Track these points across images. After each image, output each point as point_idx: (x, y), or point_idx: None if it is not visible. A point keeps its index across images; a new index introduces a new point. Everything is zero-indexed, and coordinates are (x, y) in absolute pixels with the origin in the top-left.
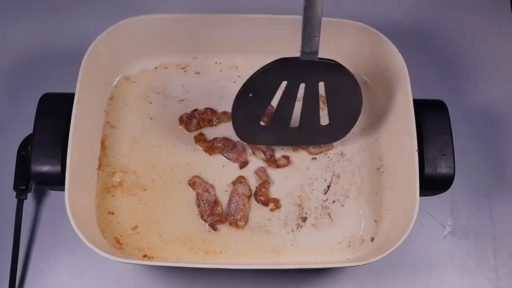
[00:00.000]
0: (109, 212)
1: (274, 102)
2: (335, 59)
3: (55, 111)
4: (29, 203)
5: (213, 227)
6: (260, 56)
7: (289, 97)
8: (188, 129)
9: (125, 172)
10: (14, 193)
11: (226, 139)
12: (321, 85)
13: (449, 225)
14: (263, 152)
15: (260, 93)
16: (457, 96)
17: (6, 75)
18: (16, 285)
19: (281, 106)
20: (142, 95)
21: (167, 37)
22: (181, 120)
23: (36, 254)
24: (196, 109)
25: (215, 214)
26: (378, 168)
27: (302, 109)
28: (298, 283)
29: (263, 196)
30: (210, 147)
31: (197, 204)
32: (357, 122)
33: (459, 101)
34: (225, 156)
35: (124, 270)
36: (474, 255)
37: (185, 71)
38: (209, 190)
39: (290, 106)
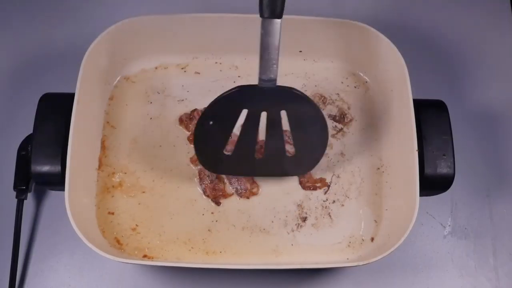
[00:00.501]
0: (109, 212)
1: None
2: (301, 91)
3: (55, 111)
4: (29, 203)
5: (217, 202)
6: None
7: (250, 126)
8: (188, 129)
9: (125, 173)
10: (14, 193)
11: None
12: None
13: (449, 225)
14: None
15: (220, 121)
16: (457, 96)
17: (6, 75)
18: (16, 285)
19: (244, 135)
20: (142, 95)
21: (167, 37)
22: (181, 120)
23: (36, 254)
24: (195, 109)
25: (217, 189)
26: (378, 168)
27: (266, 139)
28: (298, 283)
29: (309, 181)
30: None
31: (199, 180)
32: (357, 123)
33: (459, 101)
34: None
35: (124, 270)
36: (474, 255)
37: (185, 71)
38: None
39: (252, 135)
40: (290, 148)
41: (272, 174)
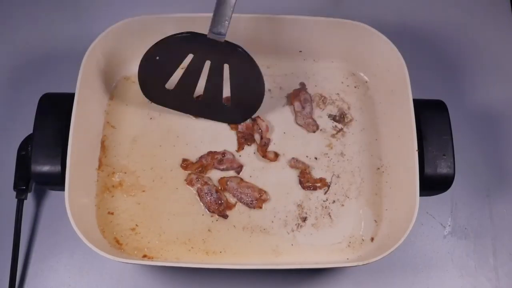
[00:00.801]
0: (109, 212)
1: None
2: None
3: (55, 111)
4: (29, 203)
5: (223, 215)
6: (260, 56)
7: (194, 69)
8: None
9: (125, 173)
10: (14, 193)
11: (210, 153)
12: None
13: (449, 225)
14: (261, 136)
15: (166, 58)
16: (457, 96)
17: (6, 75)
18: (16, 285)
19: (186, 75)
20: (142, 95)
21: None
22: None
23: (36, 254)
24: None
25: (221, 203)
26: (378, 168)
27: (205, 84)
28: (298, 283)
29: (309, 181)
30: (200, 166)
31: (201, 199)
32: (357, 123)
33: (459, 101)
34: (219, 169)
35: (124, 270)
36: (474, 255)
37: None
38: (208, 182)
39: (194, 78)
40: (226, 99)
41: (208, 117)
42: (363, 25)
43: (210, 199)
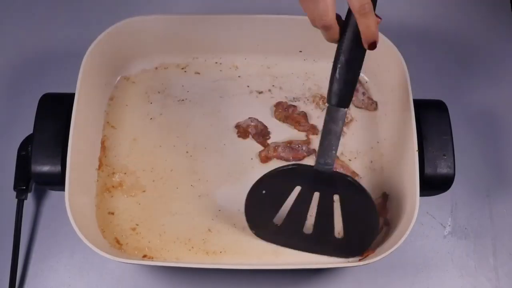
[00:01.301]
0: (109, 212)
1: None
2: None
3: (55, 111)
4: (29, 203)
5: (310, 152)
6: (260, 56)
7: (302, 202)
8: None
9: (125, 173)
10: (14, 193)
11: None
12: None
13: (449, 225)
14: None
15: (273, 192)
16: (457, 96)
17: (6, 75)
18: (16, 285)
19: (294, 209)
20: (142, 95)
21: (167, 37)
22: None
23: (36, 254)
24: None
25: (299, 149)
26: (378, 168)
27: (315, 217)
28: (298, 283)
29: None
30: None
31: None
32: (357, 123)
33: (459, 101)
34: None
35: (124, 270)
36: (474, 255)
37: (185, 71)
38: (276, 146)
39: (303, 212)
40: (339, 231)
41: (319, 253)
42: None
43: (290, 153)
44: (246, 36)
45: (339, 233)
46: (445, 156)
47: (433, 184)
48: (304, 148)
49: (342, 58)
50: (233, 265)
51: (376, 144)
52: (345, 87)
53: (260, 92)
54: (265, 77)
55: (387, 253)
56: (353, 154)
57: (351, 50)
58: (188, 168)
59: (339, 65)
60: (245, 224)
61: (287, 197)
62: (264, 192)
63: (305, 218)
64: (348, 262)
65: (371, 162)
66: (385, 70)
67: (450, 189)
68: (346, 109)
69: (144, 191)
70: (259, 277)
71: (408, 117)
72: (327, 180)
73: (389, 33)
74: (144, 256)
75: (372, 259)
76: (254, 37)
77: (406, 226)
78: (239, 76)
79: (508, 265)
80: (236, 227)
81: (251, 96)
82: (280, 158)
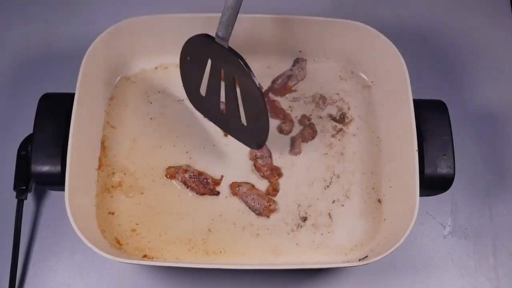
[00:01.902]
0: (109, 212)
1: None
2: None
3: (55, 111)
4: (29, 203)
5: (215, 193)
6: (260, 56)
7: (213, 77)
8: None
9: (125, 173)
10: (14, 193)
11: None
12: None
13: (449, 225)
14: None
15: (193, 60)
16: (457, 96)
17: (6, 75)
18: (16, 285)
19: (210, 82)
20: (142, 95)
21: (167, 37)
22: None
23: (36, 254)
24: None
25: (208, 182)
26: (378, 168)
27: (225, 98)
28: (298, 283)
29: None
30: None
31: (188, 187)
32: (357, 123)
33: (459, 101)
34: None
35: (124, 270)
36: (474, 255)
37: None
38: (187, 169)
39: (215, 87)
40: (242, 117)
41: (234, 135)
42: (363, 25)
43: (197, 183)
44: (246, 36)
45: (242, 119)
46: (445, 156)
47: (433, 184)
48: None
49: None
50: (233, 265)
51: (376, 144)
52: None
53: None
54: (265, 77)
55: (387, 253)
56: (353, 154)
57: None
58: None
59: None
60: (245, 224)
61: (204, 67)
62: (188, 58)
63: (218, 94)
64: (348, 262)
65: (371, 162)
66: (385, 70)
67: (450, 189)
68: None
69: (144, 191)
70: (259, 277)
71: (408, 117)
72: (226, 57)
73: (389, 33)
74: (144, 256)
75: (372, 259)
76: (254, 37)
77: (406, 226)
78: None
79: (508, 265)
80: (236, 227)
81: None
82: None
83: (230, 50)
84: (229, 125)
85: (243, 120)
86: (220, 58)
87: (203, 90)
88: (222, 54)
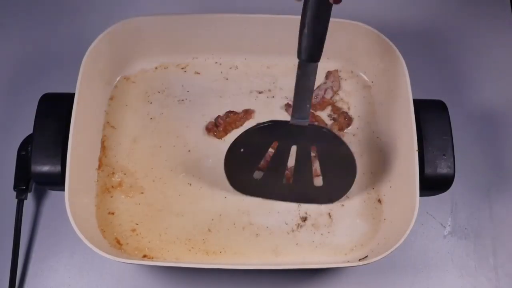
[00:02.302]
0: (109, 212)
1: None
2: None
3: (55, 111)
4: (29, 203)
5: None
6: (260, 56)
7: (280, 155)
8: (218, 136)
9: (125, 173)
10: (14, 193)
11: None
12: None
13: (449, 225)
14: None
15: (251, 149)
16: (457, 96)
17: (6, 75)
18: (16, 285)
19: (273, 163)
20: (142, 95)
21: (167, 37)
22: (208, 129)
23: (36, 254)
24: (218, 116)
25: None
26: (378, 168)
27: (294, 169)
28: (298, 283)
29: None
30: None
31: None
32: (357, 123)
33: (459, 101)
34: None
35: (124, 270)
36: (474, 255)
37: (185, 71)
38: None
39: (282, 164)
40: (317, 180)
41: (298, 201)
42: (363, 25)
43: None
44: (246, 36)
45: (317, 182)
46: (445, 156)
47: (433, 184)
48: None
49: (309, 13)
50: (233, 265)
51: (376, 144)
52: (314, 42)
53: (260, 92)
54: (265, 77)
55: (387, 253)
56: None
57: (318, 5)
58: (188, 168)
59: (307, 21)
60: (245, 224)
61: (265, 153)
62: (242, 150)
63: (284, 170)
64: (348, 262)
65: (371, 161)
66: (385, 70)
67: (450, 189)
68: (317, 63)
69: (144, 191)
70: (259, 277)
71: (408, 117)
72: (303, 133)
73: (389, 33)
74: (144, 256)
75: (372, 259)
76: (254, 37)
77: (406, 226)
78: (239, 76)
79: (508, 265)
80: (236, 227)
81: (251, 96)
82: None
83: (311, 125)
84: (296, 194)
85: (317, 183)
86: (293, 136)
87: (257, 175)
88: (298, 132)
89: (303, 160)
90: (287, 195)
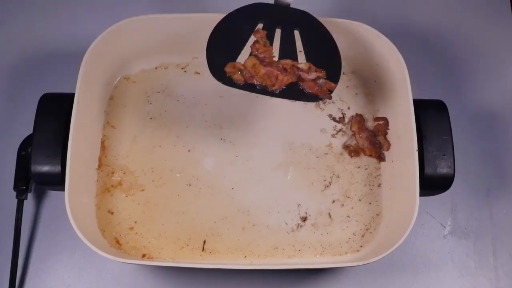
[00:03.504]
0: (109, 212)
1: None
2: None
3: (55, 111)
4: (29, 203)
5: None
6: None
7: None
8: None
9: (124, 173)
10: (14, 193)
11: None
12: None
13: (449, 225)
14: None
15: (236, 32)
16: (457, 96)
17: (6, 75)
18: (16, 285)
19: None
20: (142, 95)
21: (167, 37)
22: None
23: (36, 254)
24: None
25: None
26: (378, 168)
27: (279, 54)
28: (298, 283)
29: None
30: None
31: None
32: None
33: (459, 101)
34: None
35: (124, 270)
36: (474, 255)
37: (185, 71)
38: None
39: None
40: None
41: (285, 96)
42: (363, 25)
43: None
44: None
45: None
46: (445, 156)
47: (433, 184)
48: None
49: None
50: (233, 265)
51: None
52: None
53: None
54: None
55: (387, 253)
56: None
57: None
58: (188, 168)
59: None
60: (245, 224)
61: (250, 35)
62: (226, 32)
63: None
64: (348, 262)
65: (371, 161)
66: (385, 70)
67: (450, 189)
68: None
69: (143, 191)
70: (259, 277)
71: (408, 117)
72: (287, 15)
73: (389, 33)
74: (144, 256)
75: (372, 259)
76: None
77: (406, 226)
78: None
79: (508, 265)
80: (236, 227)
81: (251, 96)
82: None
83: (294, 9)
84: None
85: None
86: (278, 18)
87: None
88: (282, 14)
89: (287, 45)
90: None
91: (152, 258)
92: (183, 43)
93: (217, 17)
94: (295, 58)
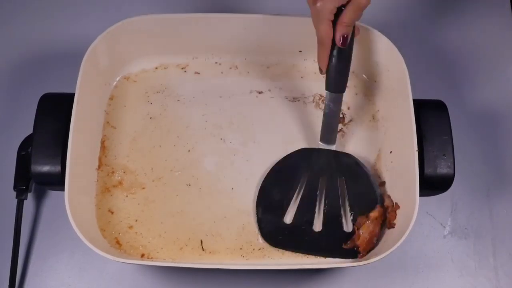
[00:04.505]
0: (109, 212)
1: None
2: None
3: (55, 111)
4: (29, 203)
5: None
6: (260, 56)
7: (311, 190)
8: None
9: (124, 172)
10: (14, 193)
11: None
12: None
13: (449, 225)
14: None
15: (284, 182)
16: (457, 96)
17: (6, 75)
18: (16, 285)
19: (304, 200)
20: (142, 95)
21: (167, 37)
22: None
23: (36, 254)
24: None
25: None
26: (378, 168)
27: (325, 203)
28: (298, 283)
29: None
30: None
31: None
32: (357, 123)
33: (459, 101)
34: None
35: (124, 270)
36: (474, 255)
37: (185, 71)
38: None
39: (312, 201)
40: (346, 223)
41: (326, 254)
42: (363, 25)
43: None
44: (246, 36)
45: (347, 224)
46: (445, 156)
47: (433, 184)
48: None
49: (334, 51)
50: (233, 265)
51: (376, 144)
52: (339, 76)
53: (260, 92)
54: (265, 77)
55: (387, 253)
56: (353, 154)
57: (338, 48)
58: (188, 168)
59: (332, 59)
60: (245, 224)
61: (297, 186)
62: (273, 185)
63: (314, 210)
64: (348, 262)
65: (371, 162)
66: (385, 70)
67: (450, 189)
68: (342, 93)
69: (143, 191)
70: (259, 277)
71: (408, 117)
72: (331, 160)
73: (389, 33)
74: (144, 256)
75: (372, 259)
76: (254, 37)
77: (406, 226)
78: (239, 76)
79: (508, 265)
80: (236, 227)
81: (251, 96)
82: None
83: (338, 151)
84: (322, 244)
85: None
86: (323, 164)
87: (287, 219)
88: (326, 158)
89: (332, 194)
90: (315, 245)
91: (151, 258)
92: (183, 43)
93: (217, 17)
94: (338, 213)
